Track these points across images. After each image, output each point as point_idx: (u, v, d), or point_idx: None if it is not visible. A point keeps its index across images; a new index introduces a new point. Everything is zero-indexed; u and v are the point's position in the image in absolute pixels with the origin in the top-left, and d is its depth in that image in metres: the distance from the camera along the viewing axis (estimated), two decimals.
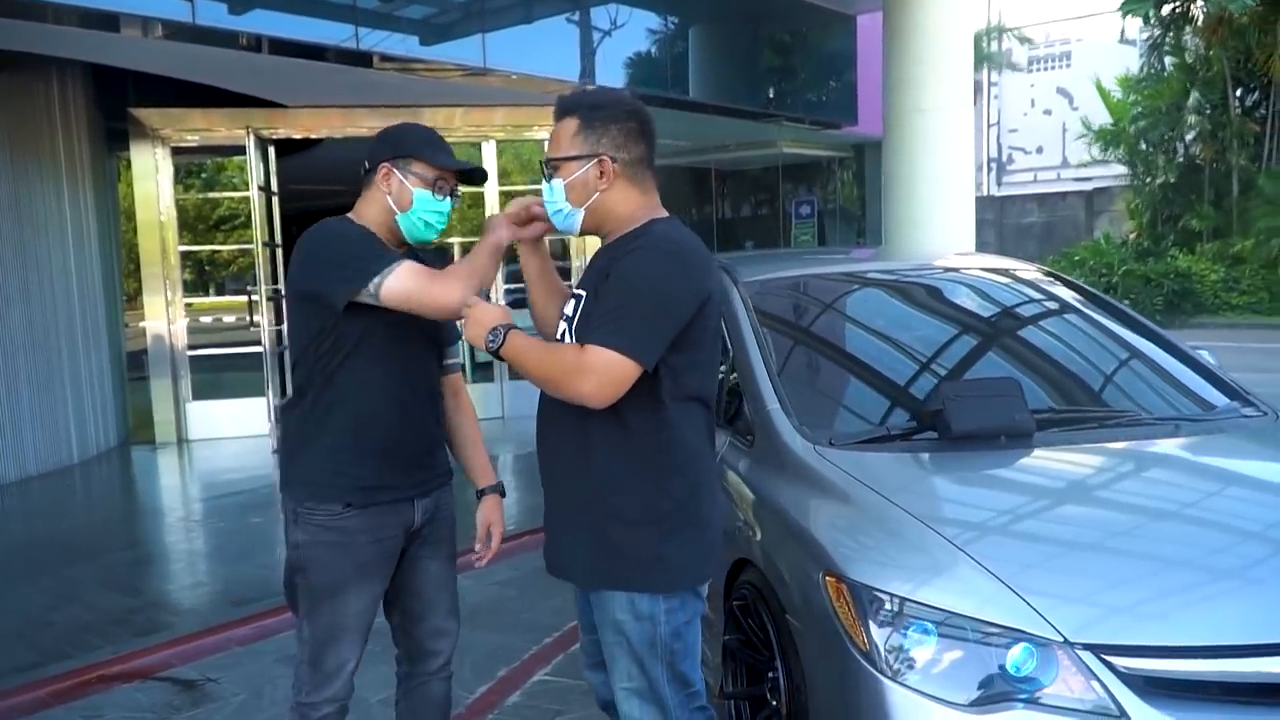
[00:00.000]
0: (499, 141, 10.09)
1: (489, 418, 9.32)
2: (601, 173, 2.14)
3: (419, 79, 8.47)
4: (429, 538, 2.53)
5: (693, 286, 2.08)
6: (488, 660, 4.02)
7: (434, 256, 2.55)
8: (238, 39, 7.07)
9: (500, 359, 2.13)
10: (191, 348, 9.41)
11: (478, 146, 10.02)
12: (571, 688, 3.76)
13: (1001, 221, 27.55)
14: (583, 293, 2.18)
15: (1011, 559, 2.29)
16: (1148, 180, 21.43)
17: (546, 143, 2.29)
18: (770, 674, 2.71)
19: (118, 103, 8.97)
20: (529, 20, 9.06)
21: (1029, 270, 4.01)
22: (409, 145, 2.39)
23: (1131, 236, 21.69)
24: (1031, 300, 3.79)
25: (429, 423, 2.50)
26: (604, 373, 1.99)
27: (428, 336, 2.45)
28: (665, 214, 2.21)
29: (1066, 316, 3.70)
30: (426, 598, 2.55)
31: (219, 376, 9.70)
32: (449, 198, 2.40)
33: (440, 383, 2.57)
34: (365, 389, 2.35)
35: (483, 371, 10.33)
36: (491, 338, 2.10)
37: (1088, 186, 26.47)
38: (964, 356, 3.37)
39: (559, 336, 2.25)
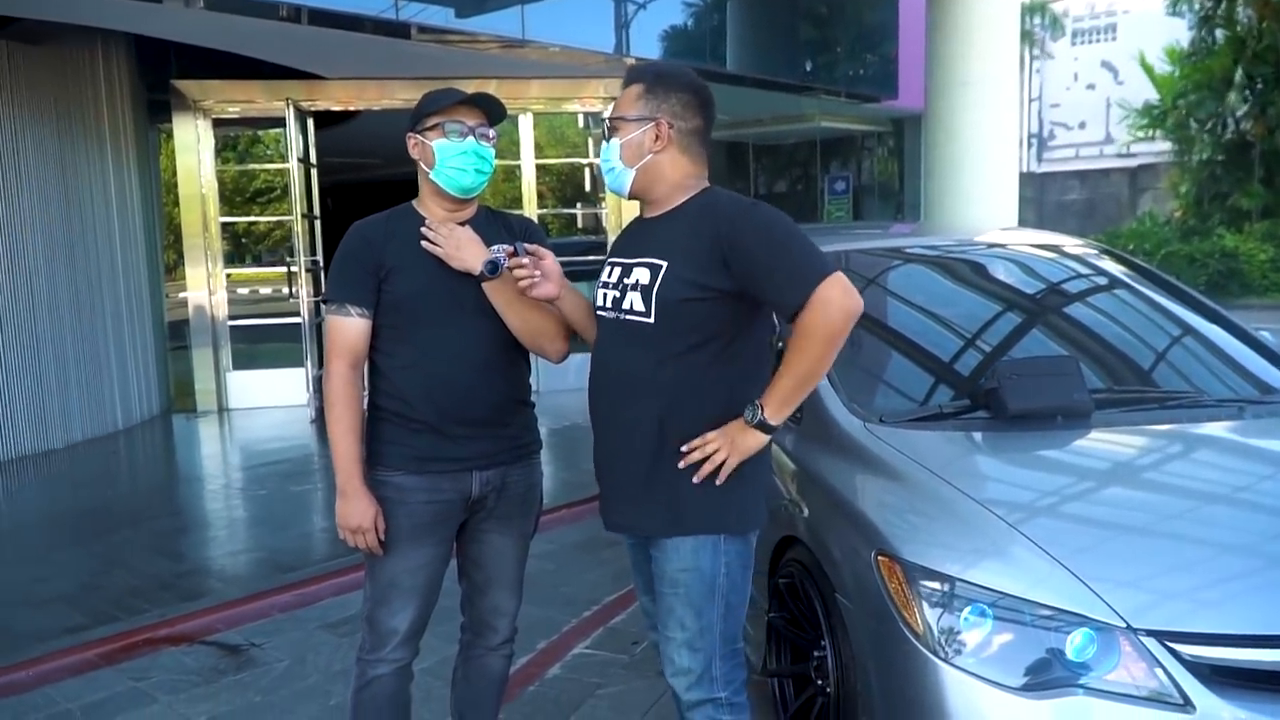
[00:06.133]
0: (535, 114, 10.03)
1: None
2: (657, 135, 2.21)
3: (456, 51, 8.42)
4: (496, 512, 2.48)
5: None
6: (527, 633, 3.97)
7: (514, 230, 2.48)
8: (278, 10, 7.06)
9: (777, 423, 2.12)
10: (232, 318, 9.48)
11: (514, 120, 9.96)
12: (611, 661, 3.76)
13: (1042, 199, 27.15)
14: (661, 262, 2.16)
15: (1070, 542, 2.24)
16: (1194, 158, 21.00)
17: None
18: (816, 653, 2.68)
19: (160, 74, 9.00)
20: None
21: (1080, 246, 3.92)
22: (420, 109, 2.39)
23: (1176, 215, 21.29)
24: (1084, 276, 3.70)
25: (489, 391, 2.39)
26: (845, 283, 2.05)
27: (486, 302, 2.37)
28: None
29: (1121, 293, 3.61)
30: (488, 572, 2.54)
31: (258, 346, 9.76)
32: (471, 137, 2.34)
33: (515, 346, 2.43)
34: (411, 361, 2.35)
35: None
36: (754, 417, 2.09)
37: (1132, 163, 26.00)
38: (1017, 334, 3.30)
39: (604, 303, 2.28)
